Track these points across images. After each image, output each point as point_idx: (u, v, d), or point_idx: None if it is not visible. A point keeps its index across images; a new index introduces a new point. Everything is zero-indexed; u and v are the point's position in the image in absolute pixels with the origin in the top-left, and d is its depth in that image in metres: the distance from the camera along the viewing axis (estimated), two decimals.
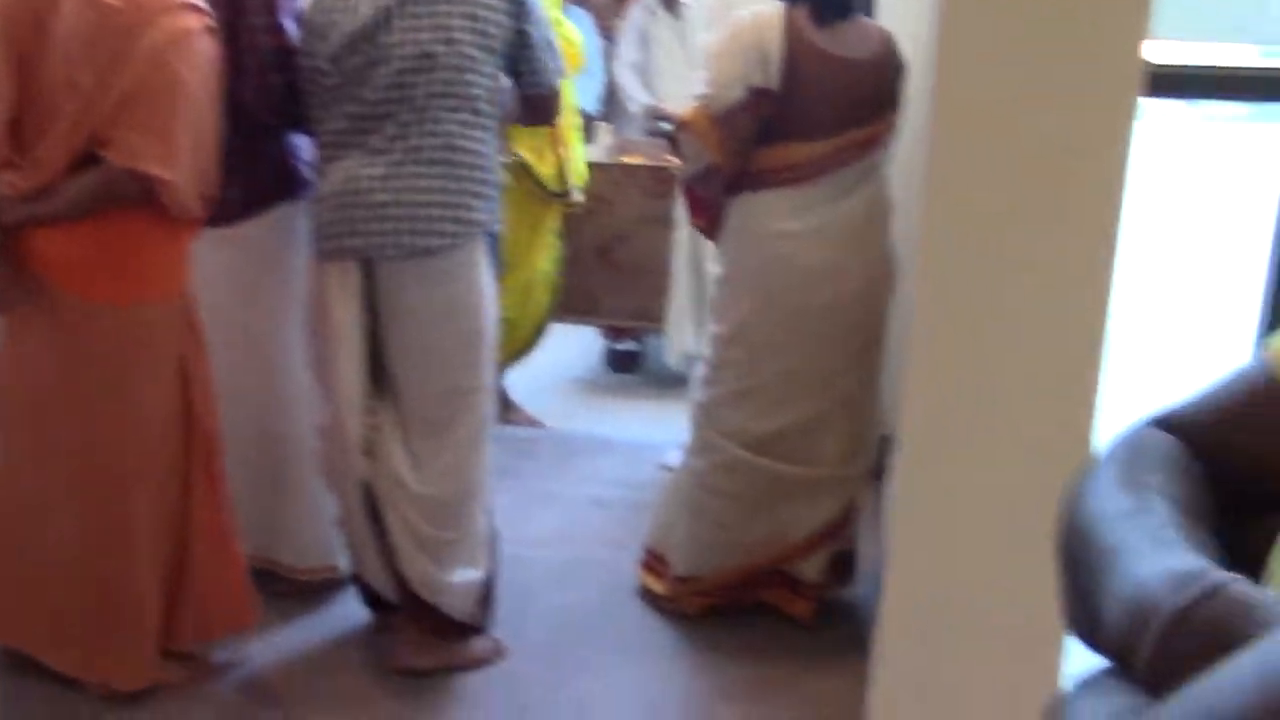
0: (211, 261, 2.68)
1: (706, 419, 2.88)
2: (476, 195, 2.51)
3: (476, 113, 2.50)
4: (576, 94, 5.78)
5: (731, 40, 2.69)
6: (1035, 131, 2.06)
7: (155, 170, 2.31)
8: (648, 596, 3.05)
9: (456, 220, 2.47)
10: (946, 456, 2.12)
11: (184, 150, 2.35)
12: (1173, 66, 2.39)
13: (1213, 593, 0.62)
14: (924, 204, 2.12)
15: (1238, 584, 0.63)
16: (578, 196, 4.04)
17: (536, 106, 2.74)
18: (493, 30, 2.50)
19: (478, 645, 2.76)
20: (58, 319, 2.41)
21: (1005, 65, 2.05)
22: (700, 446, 2.90)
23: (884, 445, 2.85)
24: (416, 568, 2.62)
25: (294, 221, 2.79)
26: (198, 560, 2.57)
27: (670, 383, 4.62)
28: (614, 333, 5.00)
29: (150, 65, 2.29)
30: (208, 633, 2.65)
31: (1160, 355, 5.48)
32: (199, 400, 2.53)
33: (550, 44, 2.64)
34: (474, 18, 2.47)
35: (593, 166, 4.58)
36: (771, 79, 2.62)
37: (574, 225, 4.56)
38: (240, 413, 2.74)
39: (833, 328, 2.76)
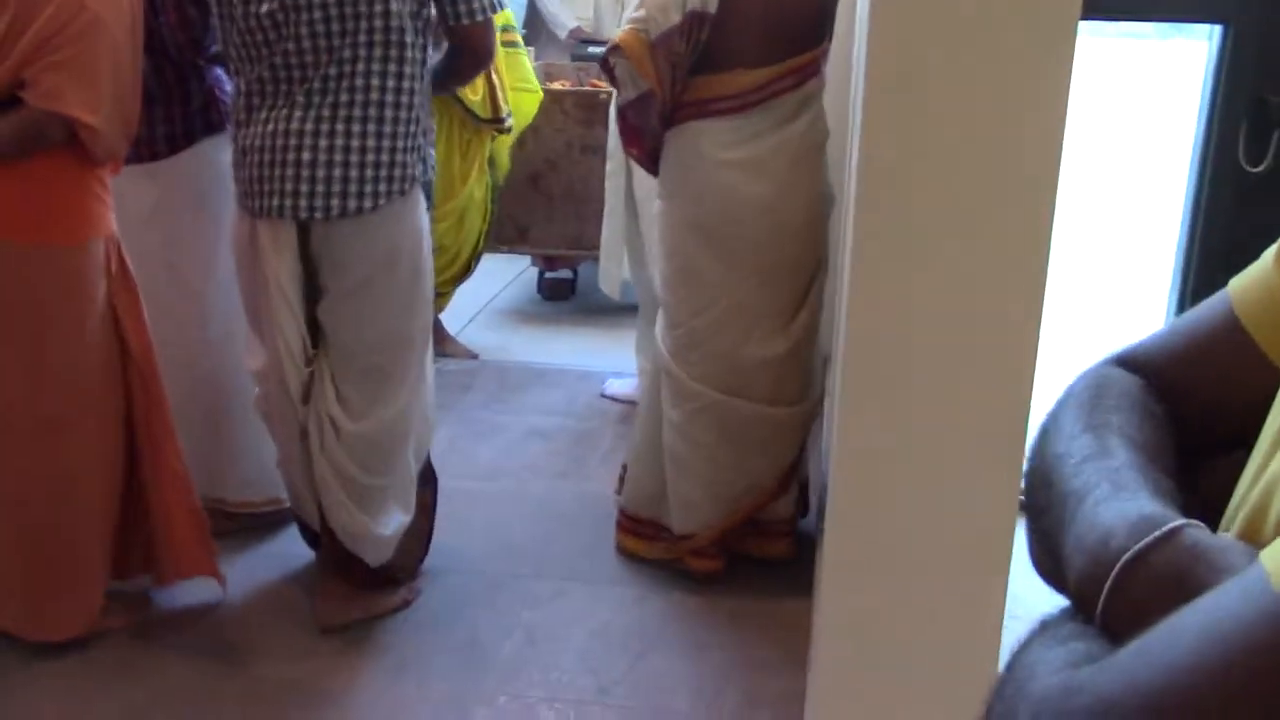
0: (136, 200, 2.65)
1: (676, 364, 2.80)
2: (409, 149, 2.42)
3: (403, 60, 2.37)
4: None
5: None
6: (973, 62, 2.07)
7: (77, 113, 2.26)
8: (626, 555, 2.99)
9: (390, 179, 2.39)
10: (886, 382, 2.14)
11: (106, 92, 2.30)
12: None
13: (1169, 537, 0.61)
14: (859, 141, 2.12)
15: (1194, 529, 0.62)
16: (509, 122, 3.98)
17: (467, 43, 2.53)
18: None
19: (395, 596, 2.73)
20: None
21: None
22: (675, 396, 2.82)
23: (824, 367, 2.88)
24: (341, 517, 2.58)
25: (220, 156, 2.72)
26: (152, 507, 2.54)
27: (605, 310, 4.62)
28: (547, 261, 4.96)
29: (67, 5, 2.22)
30: (165, 577, 2.63)
31: (1090, 279, 5.60)
32: (134, 343, 2.48)
33: None
34: None
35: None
36: (709, 2, 2.56)
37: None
38: (173, 353, 2.69)
39: (780, 260, 2.72)
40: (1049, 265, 2.03)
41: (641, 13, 2.61)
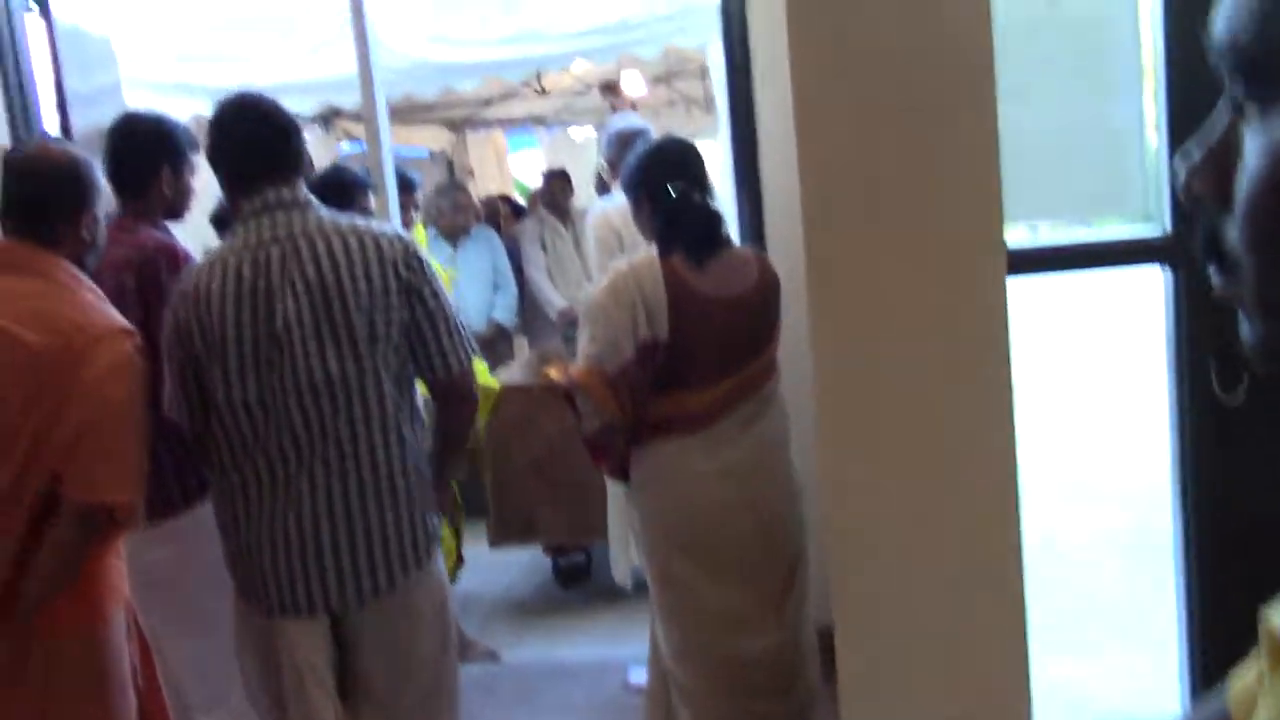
0: (150, 556, 2.68)
1: (677, 666, 2.76)
2: (426, 512, 2.39)
3: (400, 425, 2.33)
4: (498, 310, 5.94)
5: (613, 296, 2.62)
6: (913, 325, 2.16)
7: (117, 497, 2.28)
8: None
9: (415, 545, 2.35)
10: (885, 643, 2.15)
11: (137, 468, 2.34)
12: (1032, 248, 2.51)
13: None
14: (821, 430, 2.19)
15: None
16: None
17: (454, 393, 2.45)
18: (395, 330, 2.33)
19: None
20: (21, 662, 2.29)
21: (873, 265, 2.16)
22: (680, 695, 2.77)
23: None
24: None
25: None
26: None
27: (623, 591, 4.56)
28: (558, 549, 4.95)
29: (95, 398, 2.25)
30: None
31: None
32: (151, 706, 2.45)
33: (449, 319, 2.40)
34: (372, 323, 2.29)
35: (514, 390, 4.63)
36: (660, 331, 2.57)
37: (502, 447, 4.57)
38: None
39: (760, 556, 2.70)
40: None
41: (594, 349, 2.61)
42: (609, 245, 3.77)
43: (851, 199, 2.16)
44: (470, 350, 2.46)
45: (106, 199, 2.70)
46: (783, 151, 3.67)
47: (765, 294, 2.72)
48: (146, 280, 2.71)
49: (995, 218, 2.17)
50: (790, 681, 2.76)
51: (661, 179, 2.73)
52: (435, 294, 2.37)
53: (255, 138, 2.38)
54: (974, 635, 2.23)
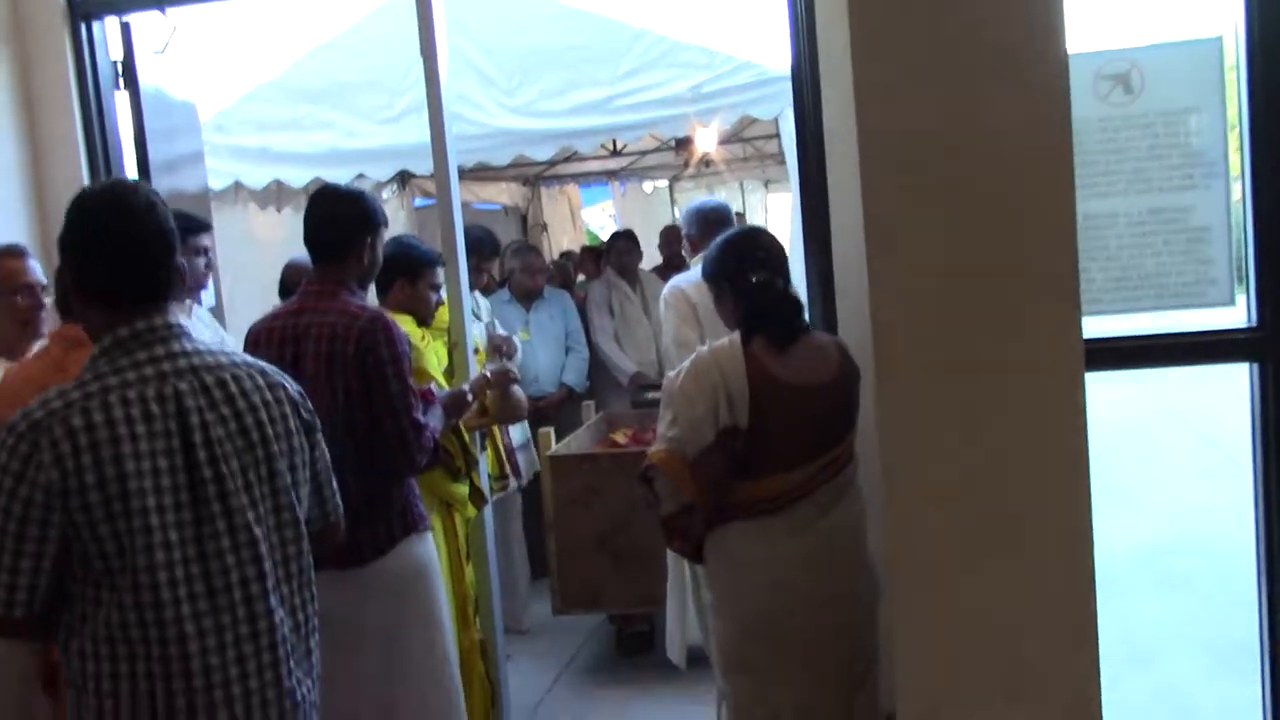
0: (341, 602, 2.85)
1: None
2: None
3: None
4: (568, 373, 5.95)
5: (695, 382, 2.64)
6: (988, 419, 2.11)
7: None
8: None
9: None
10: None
11: None
12: (1113, 338, 2.44)
13: None
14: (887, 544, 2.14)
15: None
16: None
17: (327, 539, 2.31)
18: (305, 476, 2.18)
19: None
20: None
21: (944, 358, 2.11)
22: None
23: None
24: None
25: (416, 550, 3.03)
26: None
27: (686, 662, 4.50)
28: (623, 617, 4.90)
29: None
30: None
31: None
32: None
33: (329, 467, 2.29)
34: (292, 468, 2.11)
35: (580, 459, 4.61)
36: (740, 418, 2.59)
37: (567, 516, 4.56)
38: None
39: (837, 648, 2.68)
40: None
41: (675, 431, 2.64)
42: (687, 318, 3.74)
43: (923, 287, 2.12)
44: (339, 506, 2.33)
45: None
46: (854, 231, 3.65)
47: (845, 382, 2.71)
48: (365, 347, 2.88)
49: (1072, 308, 2.11)
50: None
51: (742, 267, 2.78)
52: (322, 435, 2.26)
53: (139, 248, 1.98)
54: None
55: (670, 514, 2.72)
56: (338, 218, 3.04)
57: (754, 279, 2.74)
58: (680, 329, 3.72)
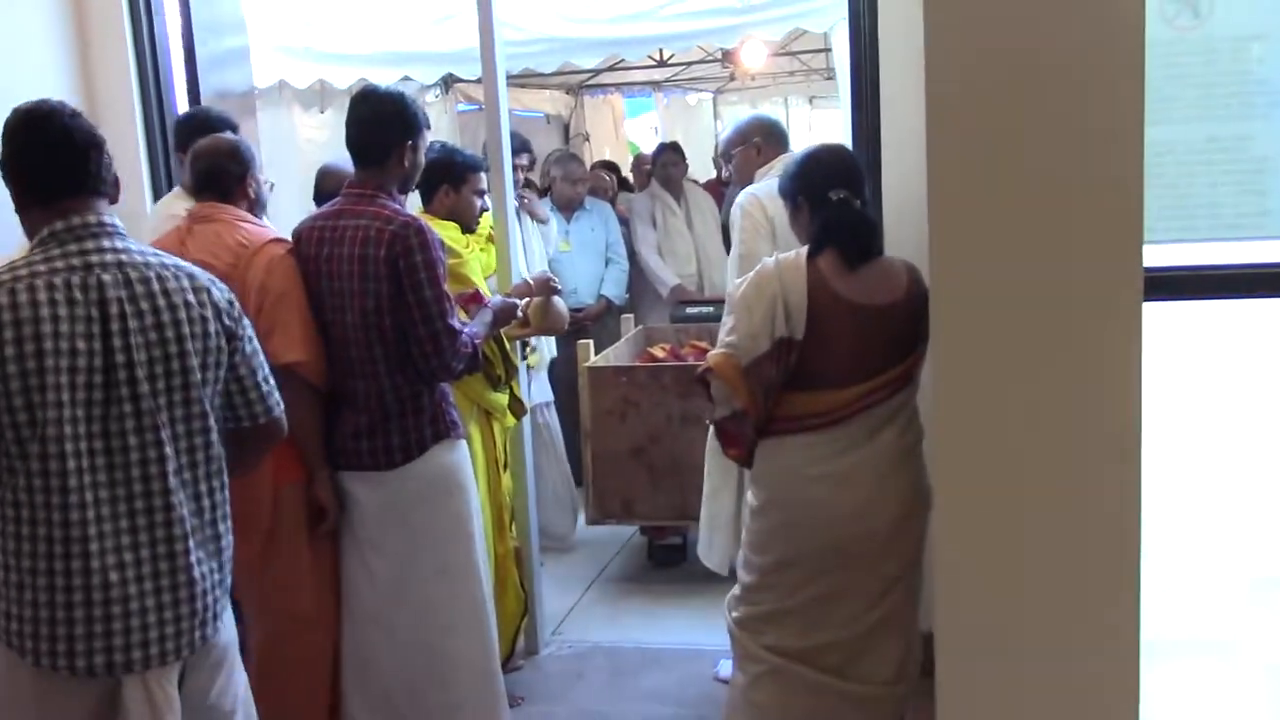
0: (368, 501, 3.04)
1: (744, 634, 2.86)
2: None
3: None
4: (608, 285, 5.91)
5: (756, 291, 2.71)
6: (1044, 345, 2.07)
7: (290, 359, 2.88)
8: None
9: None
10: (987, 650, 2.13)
11: (303, 336, 2.94)
12: (1169, 269, 2.38)
13: None
14: (939, 441, 2.12)
15: None
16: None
17: (257, 440, 2.39)
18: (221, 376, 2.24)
19: None
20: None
21: (1003, 285, 2.07)
22: (741, 659, 2.87)
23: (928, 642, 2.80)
24: None
25: (447, 457, 3.07)
26: None
27: (717, 576, 4.53)
28: (656, 529, 4.94)
29: (258, 289, 2.91)
30: None
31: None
32: None
33: (264, 365, 2.35)
34: (204, 367, 2.18)
35: (617, 371, 4.61)
36: (796, 330, 2.65)
37: (603, 428, 4.57)
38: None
39: (868, 556, 2.74)
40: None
41: (733, 338, 2.72)
42: (761, 230, 3.62)
43: (983, 205, 2.07)
44: (278, 403, 2.38)
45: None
46: (910, 149, 3.58)
47: (912, 306, 2.70)
48: (397, 252, 2.89)
49: (1134, 237, 2.06)
50: (866, 673, 2.79)
51: (823, 183, 2.79)
52: (251, 339, 2.31)
53: (55, 153, 2.14)
54: (1082, 676, 2.14)
55: (722, 418, 2.82)
56: (378, 119, 3.03)
57: (833, 196, 2.75)
58: (752, 240, 3.62)
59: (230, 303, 2.26)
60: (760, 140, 3.82)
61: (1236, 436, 2.75)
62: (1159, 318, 2.19)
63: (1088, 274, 2.07)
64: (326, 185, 4.46)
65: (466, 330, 3.04)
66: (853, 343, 2.67)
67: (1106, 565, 2.13)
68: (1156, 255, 2.48)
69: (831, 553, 2.72)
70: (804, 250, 2.75)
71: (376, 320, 2.92)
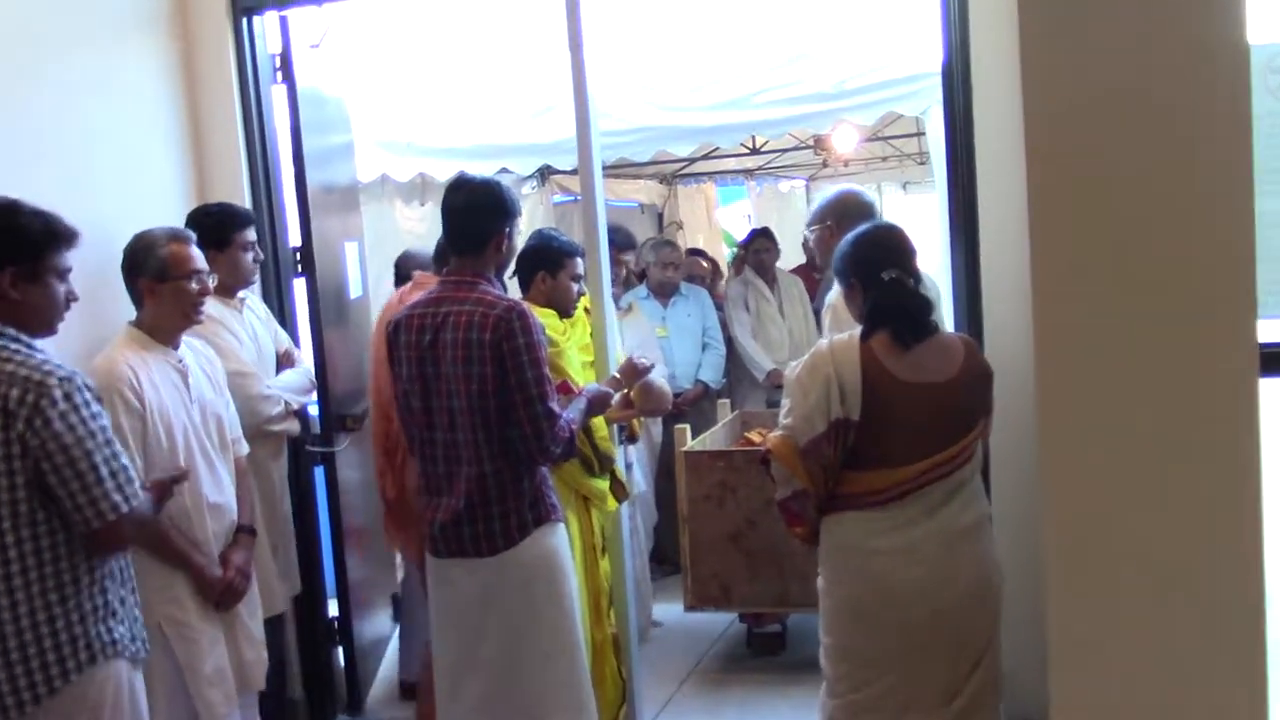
0: (469, 586, 3.04)
1: None
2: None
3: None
4: (705, 370, 5.91)
5: (811, 373, 2.74)
6: (1155, 421, 2.01)
7: None
8: None
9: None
10: None
11: None
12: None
13: None
14: (1049, 526, 2.07)
15: None
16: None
17: (97, 544, 2.53)
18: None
19: None
20: None
21: (1111, 365, 2.02)
22: None
23: None
24: None
25: (548, 542, 3.06)
26: None
27: (816, 666, 4.44)
28: (755, 616, 4.86)
29: None
30: None
31: None
32: None
33: (67, 477, 2.46)
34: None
35: (715, 455, 4.59)
36: (851, 411, 2.67)
37: (701, 514, 4.53)
38: None
39: (937, 641, 2.71)
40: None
41: (789, 420, 2.76)
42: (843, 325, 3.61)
43: (1089, 279, 2.02)
44: (126, 499, 2.51)
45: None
46: (1008, 225, 3.55)
47: (969, 382, 2.75)
48: (502, 335, 2.94)
49: (1247, 309, 2.00)
50: None
51: (874, 264, 2.80)
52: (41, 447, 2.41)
53: None
54: None
55: (783, 499, 2.85)
56: (474, 207, 3.10)
57: (884, 276, 2.76)
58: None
59: (20, 403, 2.38)
60: (833, 222, 3.71)
61: None
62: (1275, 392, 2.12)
63: (1199, 347, 2.01)
64: (404, 267, 4.69)
65: (565, 415, 3.06)
66: (909, 421, 2.68)
67: (1231, 655, 2.03)
68: (1266, 329, 2.40)
69: (900, 636, 2.70)
70: (858, 331, 2.78)
71: (481, 404, 2.95)
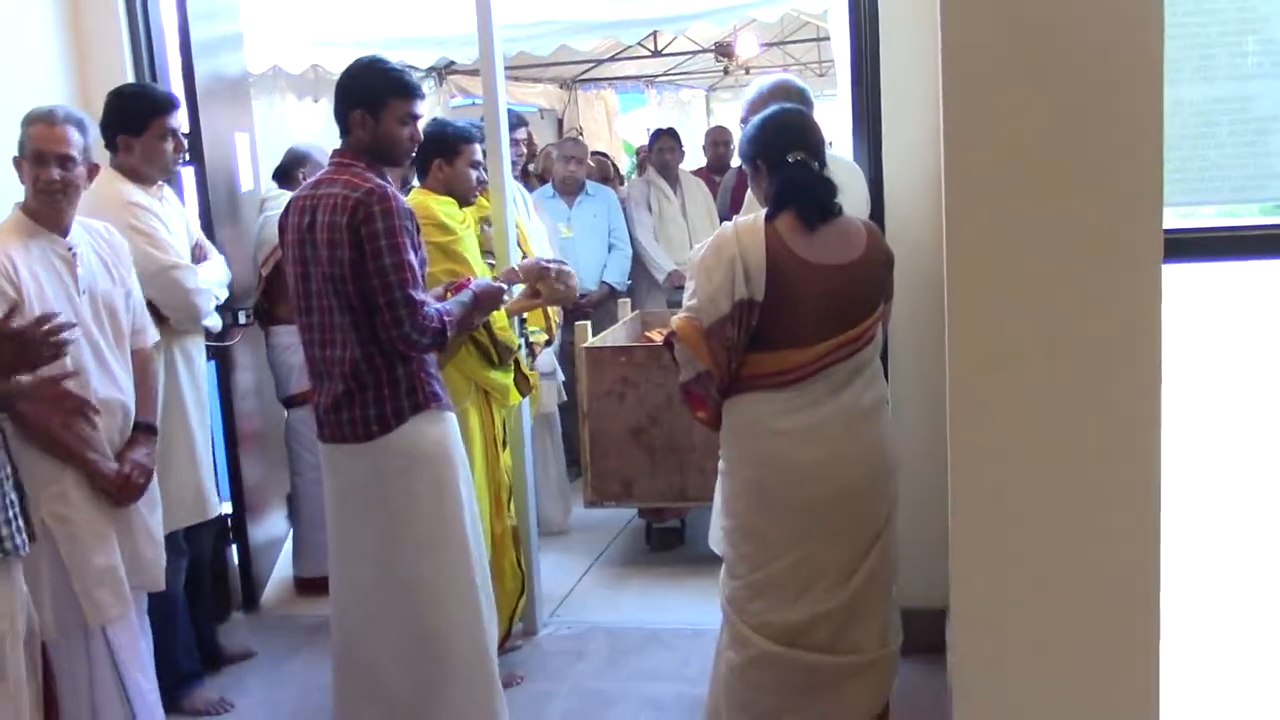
0: (349, 473, 2.99)
1: (734, 612, 2.85)
2: None
3: None
4: (610, 271, 5.89)
5: (715, 254, 2.72)
6: (1063, 309, 2.04)
7: None
8: None
9: None
10: (1002, 626, 2.10)
11: None
12: (1187, 231, 2.36)
13: None
14: (955, 408, 2.10)
15: None
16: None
17: None
18: None
19: None
20: None
21: (1021, 249, 2.04)
22: (732, 640, 2.87)
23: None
24: None
25: (428, 429, 2.98)
26: None
27: (716, 558, 4.51)
28: (654, 512, 4.92)
29: None
30: None
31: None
32: None
33: None
34: None
35: (615, 352, 4.60)
36: (756, 292, 2.66)
37: (601, 410, 4.55)
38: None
39: (839, 520, 2.75)
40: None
41: (694, 301, 2.75)
42: None
43: (998, 170, 2.03)
44: None
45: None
46: (911, 121, 3.58)
47: (871, 264, 2.76)
48: (359, 219, 2.84)
49: (1154, 198, 2.03)
50: (855, 643, 2.79)
51: (780, 147, 2.78)
52: None
53: None
54: (1101, 647, 2.10)
55: (686, 381, 2.83)
56: (339, 88, 3.04)
57: (790, 159, 2.76)
58: None
59: None
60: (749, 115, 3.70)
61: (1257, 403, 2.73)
62: (1177, 280, 2.16)
63: (1107, 235, 2.03)
64: (286, 161, 4.65)
65: (436, 305, 2.99)
66: (813, 302, 2.69)
67: (1126, 534, 2.09)
68: (1173, 218, 2.46)
69: (803, 516, 2.73)
70: (762, 213, 2.77)
71: (342, 288, 2.88)
